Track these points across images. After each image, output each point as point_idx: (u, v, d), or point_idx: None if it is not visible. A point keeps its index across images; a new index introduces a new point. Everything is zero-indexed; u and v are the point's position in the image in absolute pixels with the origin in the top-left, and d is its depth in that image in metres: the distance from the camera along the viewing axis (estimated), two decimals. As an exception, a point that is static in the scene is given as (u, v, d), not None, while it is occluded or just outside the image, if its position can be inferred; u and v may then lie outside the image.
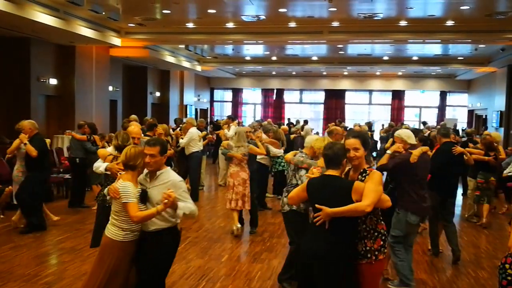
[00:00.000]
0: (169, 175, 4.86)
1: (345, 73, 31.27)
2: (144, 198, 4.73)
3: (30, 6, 12.83)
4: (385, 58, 24.90)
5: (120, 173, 6.34)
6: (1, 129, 14.75)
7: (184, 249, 8.44)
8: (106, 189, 4.88)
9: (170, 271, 5.29)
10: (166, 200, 4.52)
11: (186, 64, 24.84)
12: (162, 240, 4.82)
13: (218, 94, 36.08)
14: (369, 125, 22.30)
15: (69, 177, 12.74)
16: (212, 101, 35.31)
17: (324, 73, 31.61)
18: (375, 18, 15.54)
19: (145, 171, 4.92)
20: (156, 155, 4.75)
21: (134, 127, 7.30)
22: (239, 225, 9.50)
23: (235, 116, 31.81)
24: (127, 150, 4.85)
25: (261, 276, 7.25)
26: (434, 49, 22.19)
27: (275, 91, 34.19)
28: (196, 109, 30.52)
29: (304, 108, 34.71)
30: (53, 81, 16.93)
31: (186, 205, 4.77)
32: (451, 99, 32.56)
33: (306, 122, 23.70)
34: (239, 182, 9.29)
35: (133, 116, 12.75)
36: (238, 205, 9.38)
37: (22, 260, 7.69)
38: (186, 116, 26.29)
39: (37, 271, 7.20)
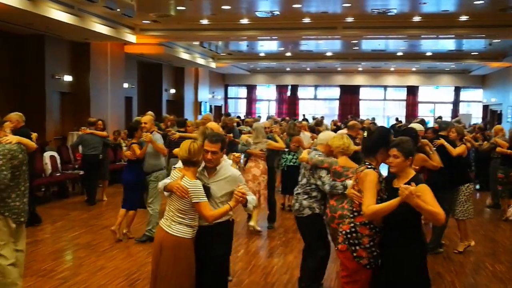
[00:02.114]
0: (228, 170, 4.72)
1: (360, 68, 31.24)
2: (206, 194, 4.54)
3: (44, 3, 12.86)
4: (399, 53, 24.79)
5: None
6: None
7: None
8: (162, 184, 4.62)
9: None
10: (240, 198, 4.46)
11: (200, 61, 24.86)
12: (221, 231, 4.76)
13: (232, 91, 36.19)
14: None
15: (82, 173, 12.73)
16: (226, 98, 35.36)
17: (339, 69, 31.58)
18: (389, 13, 15.50)
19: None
20: (218, 152, 4.58)
21: (212, 123, 7.33)
22: (251, 223, 9.36)
23: (248, 113, 31.82)
24: (191, 146, 4.52)
25: (278, 270, 7.26)
26: (448, 44, 22.04)
27: (289, 87, 34.22)
28: (210, 106, 30.53)
29: (318, 104, 34.71)
30: (67, 78, 16.94)
31: (251, 197, 4.71)
32: (465, 94, 32.45)
33: (322, 118, 23.50)
34: (250, 178, 9.09)
35: (150, 113, 12.65)
36: None
37: (38, 255, 7.74)
38: (200, 113, 26.32)
39: (53, 266, 7.25)
